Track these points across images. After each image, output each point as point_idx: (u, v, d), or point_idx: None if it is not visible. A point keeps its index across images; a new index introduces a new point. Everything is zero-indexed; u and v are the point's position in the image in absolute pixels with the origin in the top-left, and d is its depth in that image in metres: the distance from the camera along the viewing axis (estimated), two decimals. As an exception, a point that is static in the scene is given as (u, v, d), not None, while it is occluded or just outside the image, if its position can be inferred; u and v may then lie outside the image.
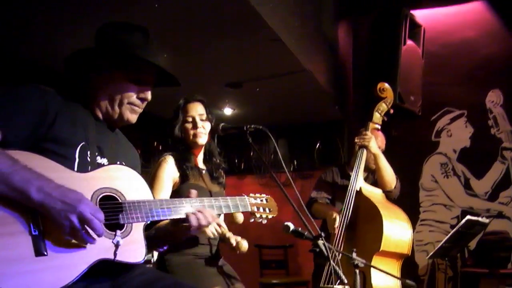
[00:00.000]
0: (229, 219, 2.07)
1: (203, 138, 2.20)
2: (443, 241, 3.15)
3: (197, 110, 2.21)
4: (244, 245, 2.12)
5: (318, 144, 4.77)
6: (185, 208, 1.46)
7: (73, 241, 1.20)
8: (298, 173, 4.89)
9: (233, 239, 2.15)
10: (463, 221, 3.06)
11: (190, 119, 2.19)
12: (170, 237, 1.56)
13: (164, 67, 1.47)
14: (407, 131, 4.16)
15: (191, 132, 2.18)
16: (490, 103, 4.01)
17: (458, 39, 4.09)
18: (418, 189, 4.12)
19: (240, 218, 2.05)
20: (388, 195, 2.94)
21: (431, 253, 3.27)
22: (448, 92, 4.10)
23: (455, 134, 4.07)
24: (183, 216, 1.44)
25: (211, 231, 2.01)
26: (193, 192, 1.54)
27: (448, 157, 4.07)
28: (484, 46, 4.02)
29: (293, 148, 5.05)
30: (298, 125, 5.09)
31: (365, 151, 2.84)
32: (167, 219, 1.45)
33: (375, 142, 2.87)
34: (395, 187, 2.96)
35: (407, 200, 4.00)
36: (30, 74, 3.39)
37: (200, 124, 2.18)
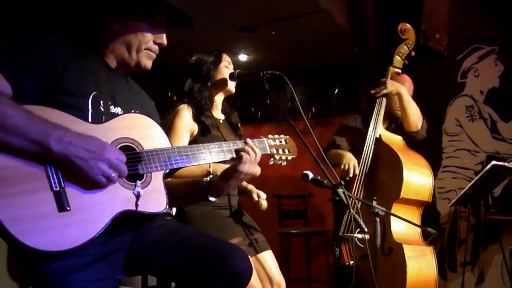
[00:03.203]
0: None
1: (233, 88, 2.23)
2: (466, 188, 3.07)
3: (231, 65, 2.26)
4: (264, 204, 2.15)
5: (336, 90, 4.61)
6: (204, 154, 1.44)
7: (95, 192, 1.20)
8: (316, 120, 4.78)
9: (255, 194, 2.14)
10: (488, 166, 2.95)
11: (227, 65, 2.21)
12: (222, 184, 1.56)
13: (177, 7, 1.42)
14: (430, 72, 3.91)
15: (226, 73, 2.19)
16: None
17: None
18: (441, 134, 3.94)
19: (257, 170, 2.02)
20: (414, 136, 2.81)
21: (454, 201, 3.20)
22: (478, 27, 3.78)
23: (483, 73, 3.81)
24: (201, 162, 1.43)
25: None
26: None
27: (474, 99, 3.87)
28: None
29: (311, 94, 4.91)
30: (316, 70, 4.91)
31: (384, 99, 2.74)
32: (186, 167, 1.43)
33: (392, 84, 2.73)
34: (421, 127, 2.82)
35: (429, 145, 3.89)
36: (38, 24, 3.30)
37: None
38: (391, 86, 2.71)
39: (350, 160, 2.66)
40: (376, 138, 2.68)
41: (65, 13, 3.04)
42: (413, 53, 2.82)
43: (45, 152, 1.11)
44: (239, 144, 1.53)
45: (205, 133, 2.11)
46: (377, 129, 2.69)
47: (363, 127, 3.01)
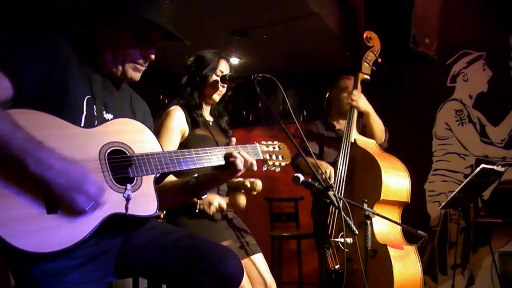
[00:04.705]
0: (231, 201, 2.03)
1: (219, 98, 2.21)
2: (456, 191, 3.11)
3: (228, 71, 2.20)
4: (259, 183, 2.07)
5: (328, 93, 4.62)
6: (195, 159, 1.43)
7: None
8: (307, 124, 4.79)
9: (247, 181, 2.11)
10: (478, 169, 2.99)
11: (219, 74, 2.17)
12: (211, 183, 1.56)
13: (170, 26, 1.40)
14: (420, 76, 3.98)
15: (215, 86, 2.16)
16: None
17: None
18: (431, 138, 4.00)
19: (243, 201, 2.00)
20: None
21: (444, 203, 3.24)
22: (467, 33, 3.86)
23: (472, 78, 3.88)
24: (192, 167, 1.43)
25: (213, 208, 1.99)
26: (233, 139, 1.59)
27: (464, 103, 3.92)
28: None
29: (302, 98, 4.91)
30: (307, 73, 4.93)
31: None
32: (176, 170, 1.42)
33: (364, 100, 2.82)
34: (384, 140, 2.92)
35: (420, 149, 3.93)
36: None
37: (224, 85, 2.19)
38: (362, 102, 2.80)
39: (328, 167, 2.73)
40: (352, 142, 2.73)
41: (60, 17, 3.02)
42: (379, 60, 2.90)
43: (22, 170, 1.09)
44: (232, 150, 1.52)
45: (194, 129, 2.11)
46: (352, 134, 2.75)
47: (325, 131, 3.09)
